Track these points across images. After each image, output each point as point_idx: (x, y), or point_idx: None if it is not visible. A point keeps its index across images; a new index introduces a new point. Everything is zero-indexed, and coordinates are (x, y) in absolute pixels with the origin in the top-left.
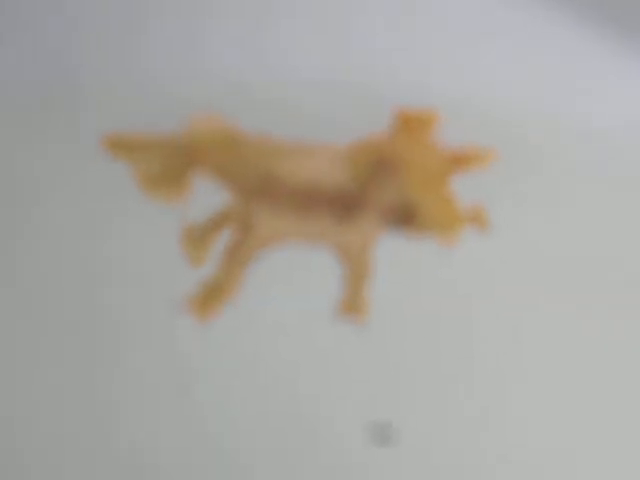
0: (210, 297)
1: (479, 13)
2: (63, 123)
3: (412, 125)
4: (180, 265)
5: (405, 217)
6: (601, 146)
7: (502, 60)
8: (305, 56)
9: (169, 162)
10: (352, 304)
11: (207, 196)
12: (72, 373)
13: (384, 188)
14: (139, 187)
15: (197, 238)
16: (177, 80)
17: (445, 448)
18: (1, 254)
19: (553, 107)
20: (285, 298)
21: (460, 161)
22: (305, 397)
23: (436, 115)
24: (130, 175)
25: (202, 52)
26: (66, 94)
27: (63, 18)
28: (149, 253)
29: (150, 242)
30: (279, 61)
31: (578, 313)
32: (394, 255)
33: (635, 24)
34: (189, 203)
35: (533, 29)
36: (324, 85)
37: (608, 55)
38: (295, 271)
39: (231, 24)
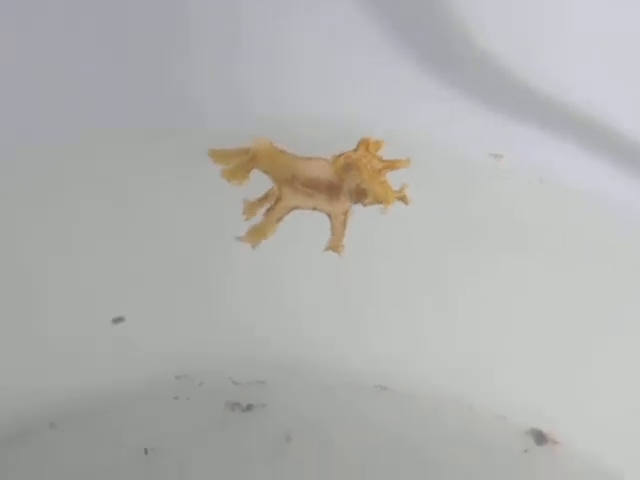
0: (258, 232)
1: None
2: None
3: (368, 146)
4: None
5: (362, 197)
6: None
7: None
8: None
9: (241, 164)
10: (335, 245)
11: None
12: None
13: (351, 180)
14: (223, 177)
15: (253, 204)
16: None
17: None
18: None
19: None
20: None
21: (392, 165)
22: None
23: (382, 142)
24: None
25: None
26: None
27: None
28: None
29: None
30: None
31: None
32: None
33: None
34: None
35: None
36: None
37: None
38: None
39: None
